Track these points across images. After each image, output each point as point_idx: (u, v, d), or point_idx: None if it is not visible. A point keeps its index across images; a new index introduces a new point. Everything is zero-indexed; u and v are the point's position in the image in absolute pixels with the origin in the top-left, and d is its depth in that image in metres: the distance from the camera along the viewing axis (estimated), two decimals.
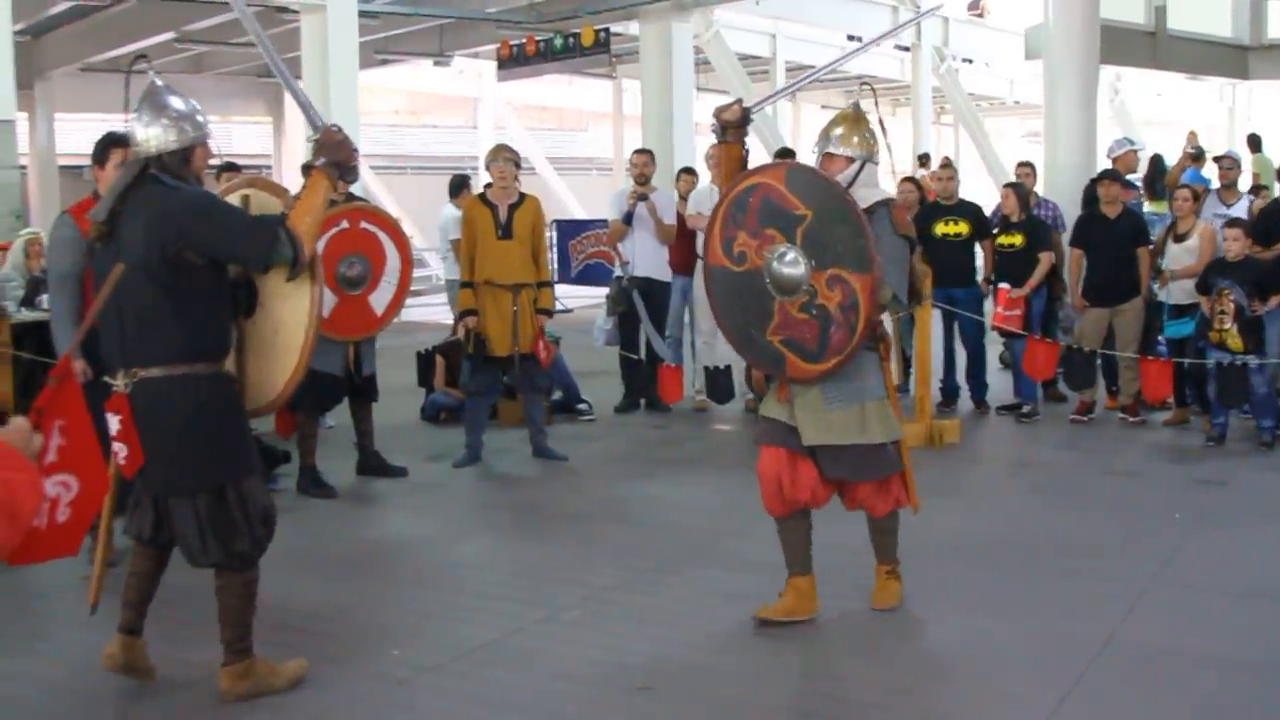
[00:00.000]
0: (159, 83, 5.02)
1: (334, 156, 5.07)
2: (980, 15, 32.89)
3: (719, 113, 6.08)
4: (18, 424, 2.51)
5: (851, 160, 5.72)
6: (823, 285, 5.43)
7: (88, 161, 6.96)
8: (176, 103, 4.95)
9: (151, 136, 4.85)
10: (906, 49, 29.57)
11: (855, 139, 5.77)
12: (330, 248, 8.19)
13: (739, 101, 6.12)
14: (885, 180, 6.28)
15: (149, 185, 4.83)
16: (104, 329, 4.89)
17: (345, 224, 8.33)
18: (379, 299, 8.51)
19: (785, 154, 11.74)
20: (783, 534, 5.84)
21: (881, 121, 5.94)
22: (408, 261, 8.71)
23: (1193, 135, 14.79)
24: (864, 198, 5.60)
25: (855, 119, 5.86)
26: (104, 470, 3.24)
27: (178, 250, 4.69)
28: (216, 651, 5.09)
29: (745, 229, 5.64)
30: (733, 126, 6.03)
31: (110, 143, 6.82)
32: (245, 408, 5.05)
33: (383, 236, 8.54)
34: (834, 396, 5.58)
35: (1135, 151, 13.25)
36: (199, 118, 4.98)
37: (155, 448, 4.75)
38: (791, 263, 5.50)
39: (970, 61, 32.62)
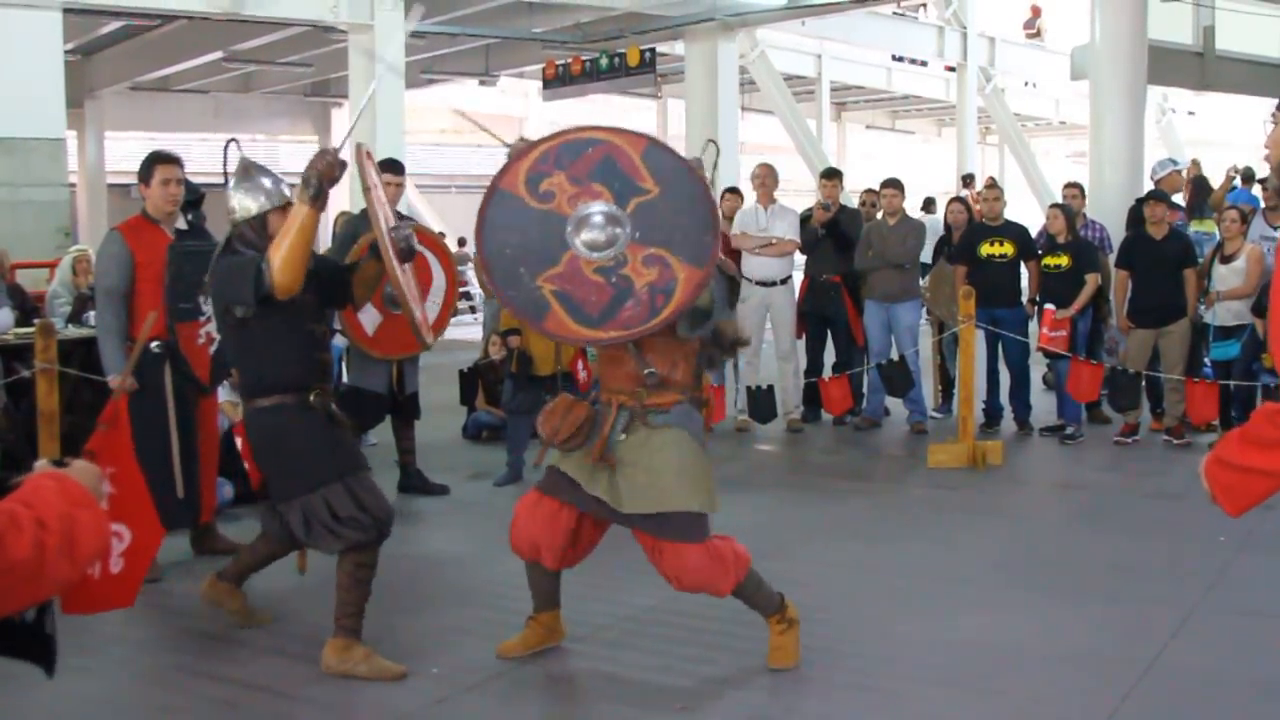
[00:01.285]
0: (246, 158, 5.76)
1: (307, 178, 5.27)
2: (1037, 35, 32.81)
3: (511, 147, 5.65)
4: (85, 465, 2.52)
5: None
6: (637, 259, 5.04)
7: (136, 179, 7.05)
8: (258, 175, 5.66)
9: (236, 205, 5.59)
10: (953, 69, 29.56)
11: None
12: None
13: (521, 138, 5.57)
14: None
15: (226, 253, 5.54)
16: None
17: None
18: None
19: (831, 174, 11.71)
20: (530, 574, 5.65)
21: (715, 181, 5.56)
22: (453, 281, 8.74)
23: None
24: None
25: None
26: (155, 520, 3.29)
27: (224, 308, 5.46)
28: (257, 669, 5.17)
29: (567, 173, 5.21)
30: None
31: (154, 160, 6.94)
32: (313, 431, 5.54)
33: (429, 255, 8.56)
34: (645, 464, 5.19)
35: (1179, 172, 13.21)
36: (275, 186, 5.65)
37: (259, 464, 5.82)
38: (609, 222, 5.11)
39: (1031, 85, 32.69)
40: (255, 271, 5.22)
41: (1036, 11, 33.43)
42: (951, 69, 30.06)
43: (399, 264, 5.65)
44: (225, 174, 5.74)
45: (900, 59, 30.14)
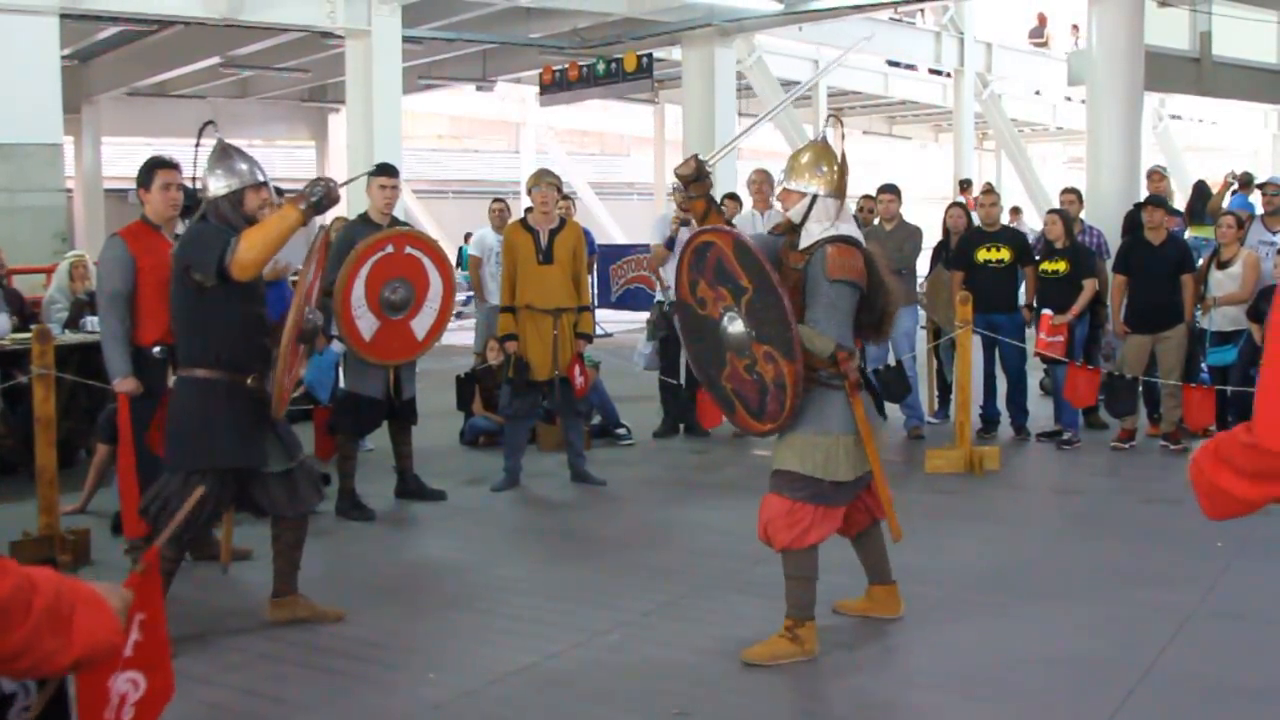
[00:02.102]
0: (224, 141, 5.97)
1: (313, 195, 5.66)
2: (1044, 44, 32.82)
3: (676, 170, 5.97)
4: (109, 585, 2.52)
5: (804, 195, 5.66)
6: (760, 356, 5.48)
7: (133, 185, 7.06)
8: (234, 156, 5.91)
9: (211, 185, 5.84)
10: (943, 74, 29.58)
11: (813, 172, 5.68)
12: (375, 272, 8.23)
13: (694, 156, 5.94)
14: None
15: (198, 224, 5.83)
16: None
17: (390, 249, 8.35)
18: (420, 324, 8.52)
19: None
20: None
21: (844, 155, 5.83)
22: (450, 287, 8.74)
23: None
24: (811, 233, 5.60)
25: (817, 151, 5.78)
26: (170, 673, 3.29)
27: (185, 268, 5.68)
28: (251, 673, 5.17)
29: (704, 279, 5.67)
30: (690, 181, 5.84)
31: (154, 165, 6.95)
32: (232, 413, 5.81)
33: (426, 262, 8.55)
34: (789, 426, 5.60)
35: (1157, 176, 13.23)
36: (250, 168, 5.90)
37: (168, 431, 5.94)
38: (738, 325, 5.57)
39: (1039, 92, 32.76)
40: (225, 245, 5.55)
41: (1044, 20, 33.46)
42: (937, 72, 30.11)
43: (295, 341, 5.89)
44: (197, 145, 5.93)
45: (896, 64, 30.16)
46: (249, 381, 5.82)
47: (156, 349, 6.86)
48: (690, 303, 5.81)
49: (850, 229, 5.68)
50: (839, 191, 5.70)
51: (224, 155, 5.90)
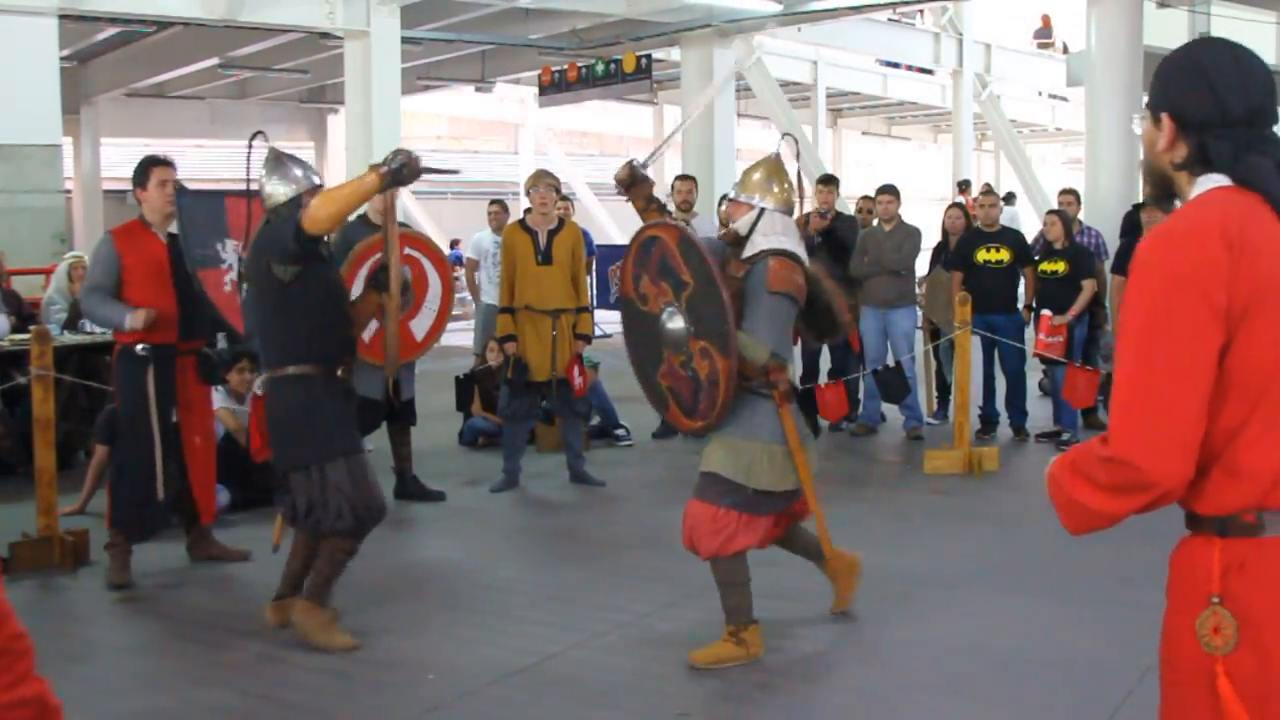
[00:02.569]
0: (276, 148, 6.10)
1: (393, 164, 5.65)
2: (1050, 45, 32.82)
3: (615, 175, 6.10)
4: None
5: (753, 208, 5.76)
6: (697, 353, 5.53)
7: (131, 185, 7.05)
8: (287, 163, 6.02)
9: (271, 192, 5.94)
10: (929, 72, 29.64)
11: (763, 187, 5.80)
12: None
13: (629, 162, 6.08)
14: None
15: (265, 227, 5.92)
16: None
17: None
18: (420, 324, 8.53)
19: (828, 180, 11.70)
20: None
21: (800, 173, 5.93)
22: (449, 288, 8.73)
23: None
24: (755, 244, 5.69)
25: (769, 168, 5.91)
26: None
27: (265, 268, 5.71)
28: (251, 674, 5.17)
29: (648, 274, 5.74)
30: (628, 186, 6.00)
31: (150, 164, 6.98)
32: (335, 404, 5.92)
33: (425, 262, 8.56)
34: (718, 430, 5.64)
35: None
36: (305, 173, 6.01)
37: (272, 434, 5.93)
38: (676, 321, 5.64)
39: (1063, 99, 32.80)
40: (296, 224, 5.58)
41: (1047, 22, 33.45)
42: (923, 70, 30.16)
43: (400, 293, 6.24)
44: (250, 148, 6.03)
45: (892, 64, 30.17)
46: (339, 373, 5.95)
47: (140, 346, 6.87)
48: (632, 298, 5.86)
49: (794, 245, 5.76)
50: (789, 207, 5.84)
51: (279, 163, 6.01)
